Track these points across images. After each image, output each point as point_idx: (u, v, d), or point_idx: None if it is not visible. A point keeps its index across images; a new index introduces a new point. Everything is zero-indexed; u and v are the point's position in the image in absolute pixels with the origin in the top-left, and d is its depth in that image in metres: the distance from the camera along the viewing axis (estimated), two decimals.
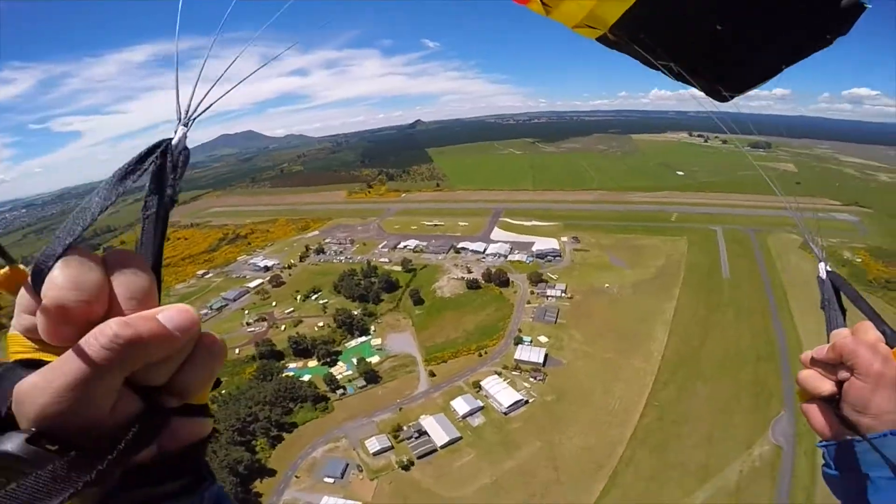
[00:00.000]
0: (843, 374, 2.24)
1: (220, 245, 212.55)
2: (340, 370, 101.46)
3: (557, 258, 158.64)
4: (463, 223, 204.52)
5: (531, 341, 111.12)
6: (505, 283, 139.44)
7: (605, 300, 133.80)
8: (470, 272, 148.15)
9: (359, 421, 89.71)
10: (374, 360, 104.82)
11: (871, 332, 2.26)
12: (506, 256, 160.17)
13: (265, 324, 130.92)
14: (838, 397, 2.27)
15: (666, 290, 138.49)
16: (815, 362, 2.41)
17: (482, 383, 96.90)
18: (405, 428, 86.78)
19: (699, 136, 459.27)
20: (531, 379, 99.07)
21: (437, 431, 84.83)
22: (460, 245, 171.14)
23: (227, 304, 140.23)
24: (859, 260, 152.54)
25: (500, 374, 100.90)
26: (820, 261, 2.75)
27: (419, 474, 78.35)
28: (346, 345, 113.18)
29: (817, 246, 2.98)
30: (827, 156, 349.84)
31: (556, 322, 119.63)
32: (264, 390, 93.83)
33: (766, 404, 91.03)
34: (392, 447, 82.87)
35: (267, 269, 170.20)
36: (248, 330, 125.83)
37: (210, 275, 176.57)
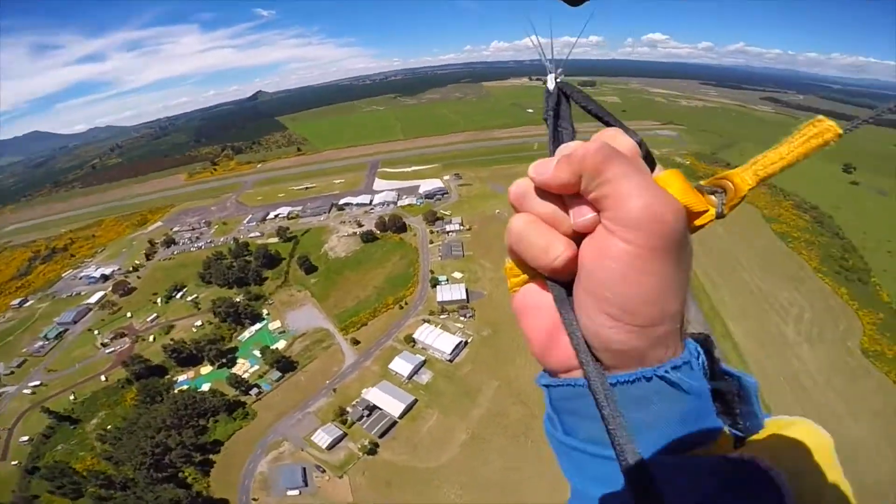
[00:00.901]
0: (584, 218, 1.10)
1: (33, 265, 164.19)
2: (244, 368, 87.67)
3: (446, 195, 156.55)
4: (338, 181, 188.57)
5: (447, 280, 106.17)
6: (402, 228, 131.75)
7: (500, 225, 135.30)
8: (361, 226, 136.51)
9: (292, 417, 77.53)
10: (280, 345, 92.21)
11: (622, 141, 1.23)
12: (395, 203, 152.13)
13: (126, 340, 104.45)
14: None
15: None
16: (538, 194, 1.22)
17: (415, 336, 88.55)
18: (350, 409, 75.28)
19: (538, 79, 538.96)
20: (462, 318, 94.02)
21: (389, 402, 75.40)
22: (342, 202, 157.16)
23: (66, 329, 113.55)
24: (688, 163, 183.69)
25: (428, 321, 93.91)
26: (549, 73, 1.58)
27: (390, 454, 68.87)
28: (239, 338, 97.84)
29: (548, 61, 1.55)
30: (639, 89, 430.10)
31: (463, 255, 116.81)
32: (159, 413, 74.77)
33: None
34: (345, 434, 71.45)
35: (105, 277, 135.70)
36: (108, 351, 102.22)
37: (30, 302, 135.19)
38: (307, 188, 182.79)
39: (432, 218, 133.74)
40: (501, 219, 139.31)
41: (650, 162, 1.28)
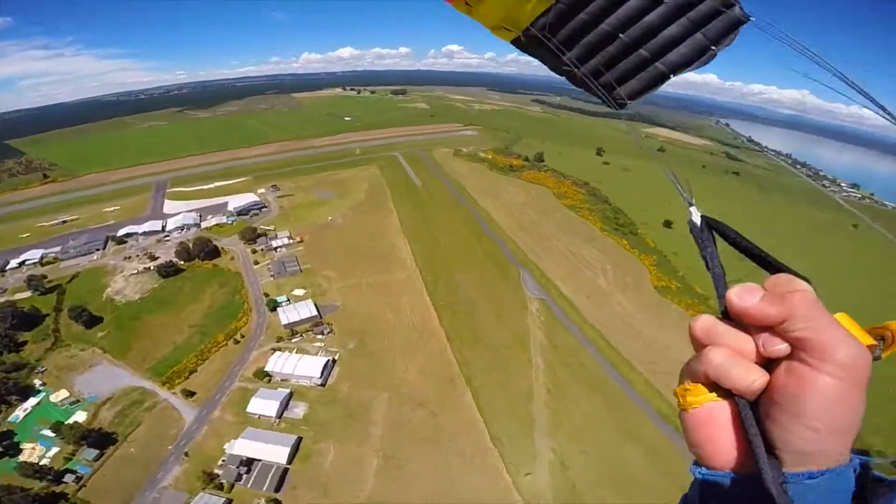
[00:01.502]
0: (777, 348, 1.54)
1: None
2: (36, 453, 66.54)
3: (264, 209, 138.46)
4: (112, 208, 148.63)
5: (288, 300, 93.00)
6: (213, 252, 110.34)
7: (334, 232, 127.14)
8: (154, 258, 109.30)
9: (144, 497, 59.45)
10: (80, 417, 71.36)
11: (800, 284, 1.62)
12: (198, 225, 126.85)
13: None
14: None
15: (382, 207, 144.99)
16: (730, 324, 1.68)
17: (268, 369, 74.80)
18: (219, 470, 59.86)
19: (352, 89, 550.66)
20: (319, 336, 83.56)
21: (267, 449, 61.49)
22: (122, 233, 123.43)
23: None
24: (490, 157, 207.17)
25: (278, 349, 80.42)
26: (690, 205, 2.05)
27: None
28: (11, 420, 73.23)
29: (683, 188, 2.25)
30: (442, 96, 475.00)
31: (300, 270, 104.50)
32: None
33: (506, 271, 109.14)
34: (230, 501, 56.64)
35: None
36: None
37: None
38: (64, 222, 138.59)
39: (252, 235, 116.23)
40: (335, 226, 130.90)
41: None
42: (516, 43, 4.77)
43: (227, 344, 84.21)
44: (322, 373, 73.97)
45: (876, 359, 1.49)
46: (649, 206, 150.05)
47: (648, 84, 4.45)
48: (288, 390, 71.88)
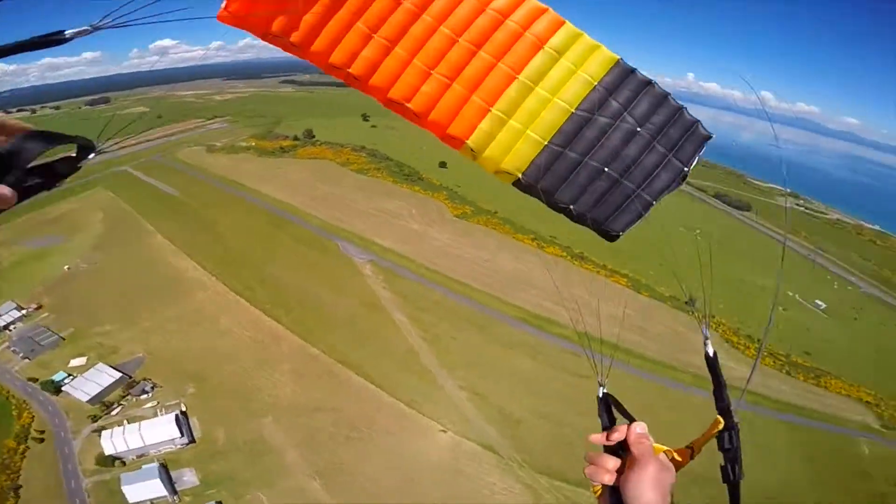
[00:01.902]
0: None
1: None
2: None
3: None
4: None
5: (70, 376, 70.95)
6: None
7: (84, 281, 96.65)
8: None
9: None
10: None
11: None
12: None
13: None
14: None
15: (138, 231, 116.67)
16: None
17: (111, 453, 60.29)
18: None
19: (20, 110, 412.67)
20: (145, 395, 69.09)
21: None
22: None
23: None
24: (253, 144, 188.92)
25: (103, 427, 63.63)
26: (601, 385, 3.94)
27: None
28: None
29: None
30: (165, 95, 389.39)
31: (62, 338, 79.16)
32: None
33: (322, 246, 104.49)
34: None
35: None
36: None
37: None
38: None
39: None
40: (81, 273, 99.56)
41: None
42: (517, 185, 5.31)
43: (28, 448, 61.90)
44: (181, 429, 61.74)
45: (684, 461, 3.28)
46: (423, 155, 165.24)
47: (637, 213, 4.93)
48: (156, 463, 58.45)
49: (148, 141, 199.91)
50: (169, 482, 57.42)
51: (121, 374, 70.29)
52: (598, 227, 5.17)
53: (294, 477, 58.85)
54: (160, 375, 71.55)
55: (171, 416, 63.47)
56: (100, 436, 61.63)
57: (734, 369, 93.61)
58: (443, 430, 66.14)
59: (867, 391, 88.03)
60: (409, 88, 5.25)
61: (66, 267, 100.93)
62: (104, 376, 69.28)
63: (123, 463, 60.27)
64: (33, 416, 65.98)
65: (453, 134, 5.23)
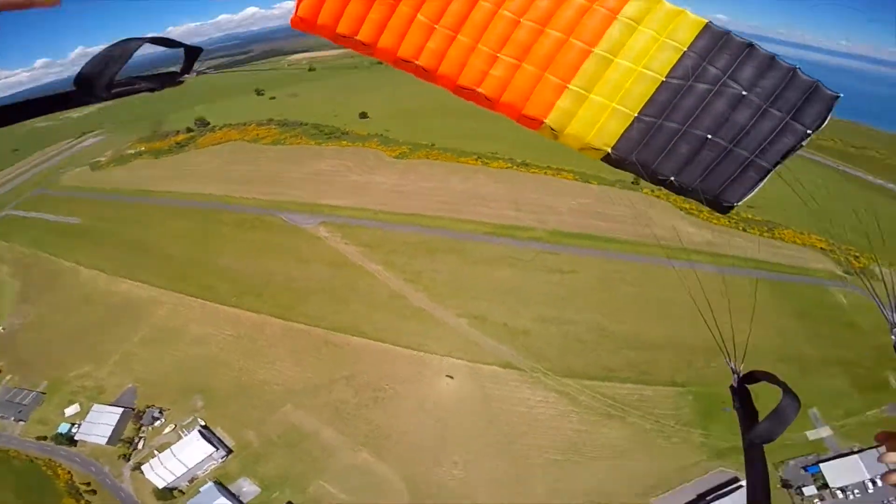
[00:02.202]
0: None
1: None
2: None
3: None
4: None
5: (75, 424, 66.43)
6: None
7: (27, 334, 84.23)
8: None
9: None
10: None
11: None
12: None
13: None
14: None
15: (56, 271, 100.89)
16: None
17: (164, 486, 58.55)
18: None
19: None
20: (157, 423, 66.02)
21: None
22: None
23: None
24: (143, 148, 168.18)
25: (141, 464, 61.36)
26: (735, 372, 3.50)
27: None
28: None
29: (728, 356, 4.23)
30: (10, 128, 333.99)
31: (42, 392, 72.82)
32: None
33: (266, 224, 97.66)
34: None
35: None
36: None
37: None
38: None
39: None
40: (17, 329, 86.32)
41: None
42: (607, 160, 5.23)
43: (89, 502, 59.56)
44: (212, 443, 60.52)
45: None
46: (339, 111, 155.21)
47: (754, 182, 4.57)
48: (211, 483, 57.58)
49: (17, 177, 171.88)
50: (233, 497, 56.75)
51: (122, 409, 66.80)
52: (710, 199, 4.88)
53: (341, 455, 58.85)
54: (162, 399, 66.81)
55: (195, 433, 61.27)
56: (142, 472, 59.92)
57: (694, 234, 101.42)
58: (447, 355, 66.54)
59: (818, 238, 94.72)
60: (478, 73, 5.21)
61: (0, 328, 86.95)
62: (108, 415, 65.79)
63: (182, 492, 59.02)
64: (69, 472, 62.03)
65: (530, 115, 5.14)
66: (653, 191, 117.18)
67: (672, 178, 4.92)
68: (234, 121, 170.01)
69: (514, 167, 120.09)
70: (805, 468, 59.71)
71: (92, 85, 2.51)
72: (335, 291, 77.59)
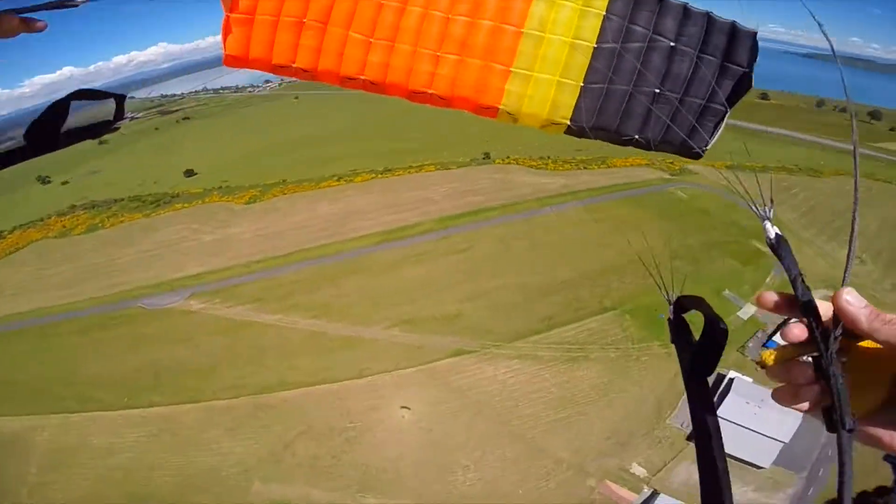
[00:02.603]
0: None
1: None
2: None
3: None
4: None
5: None
6: None
7: None
8: None
9: None
10: None
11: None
12: None
13: None
14: None
15: None
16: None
17: None
18: None
19: None
20: None
21: None
22: None
23: None
24: None
25: None
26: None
27: None
28: None
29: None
30: None
31: None
32: None
33: (117, 322, 76.81)
34: None
35: None
36: None
37: None
38: None
39: None
40: None
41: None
42: (570, 132, 5.18)
43: None
44: None
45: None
46: (157, 176, 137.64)
47: (713, 125, 4.57)
48: None
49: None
50: None
51: None
52: (679, 150, 4.97)
53: None
54: None
55: None
56: None
57: (550, 183, 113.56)
58: (396, 368, 63.23)
59: (639, 158, 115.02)
60: (426, 76, 5.21)
61: None
62: None
63: None
64: None
65: (485, 104, 5.23)
66: (504, 160, 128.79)
67: (636, 137, 4.99)
68: (25, 220, 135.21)
69: (379, 175, 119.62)
70: (765, 345, 67.22)
71: (43, 137, 2.75)
72: (240, 357, 66.73)
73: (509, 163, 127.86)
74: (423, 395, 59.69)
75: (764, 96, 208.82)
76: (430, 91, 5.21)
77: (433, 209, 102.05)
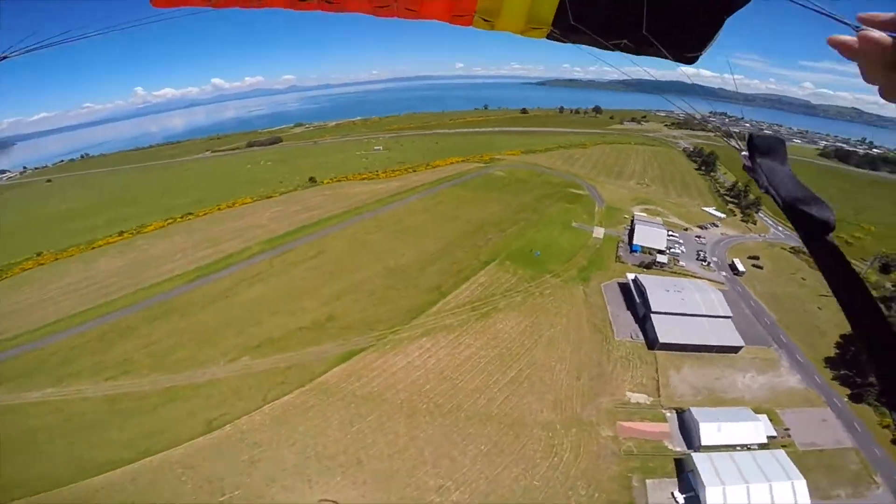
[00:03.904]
0: None
1: None
2: None
3: None
4: None
5: None
6: None
7: None
8: None
9: None
10: None
11: None
12: None
13: None
14: None
15: None
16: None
17: None
18: None
19: None
20: None
21: None
22: None
23: None
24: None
25: None
26: (741, 151, 2.60)
27: None
28: None
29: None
30: None
31: None
32: None
33: None
34: None
35: None
36: None
37: None
38: None
39: None
40: None
41: None
42: (552, 37, 4.77)
43: None
44: None
45: None
46: None
47: (711, 29, 4.11)
48: None
49: None
50: None
51: None
52: (671, 53, 4.28)
53: None
54: None
55: None
56: None
57: (383, 189, 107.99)
58: (265, 401, 44.65)
59: (455, 158, 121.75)
60: None
61: None
62: None
63: None
64: None
65: (458, 11, 4.76)
66: (331, 180, 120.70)
67: (624, 41, 4.35)
68: None
69: (178, 221, 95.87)
70: (632, 250, 76.27)
71: None
72: (35, 455, 38.08)
73: (338, 181, 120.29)
74: (323, 421, 42.84)
75: (524, 111, 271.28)
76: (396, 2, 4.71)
77: (261, 232, 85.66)
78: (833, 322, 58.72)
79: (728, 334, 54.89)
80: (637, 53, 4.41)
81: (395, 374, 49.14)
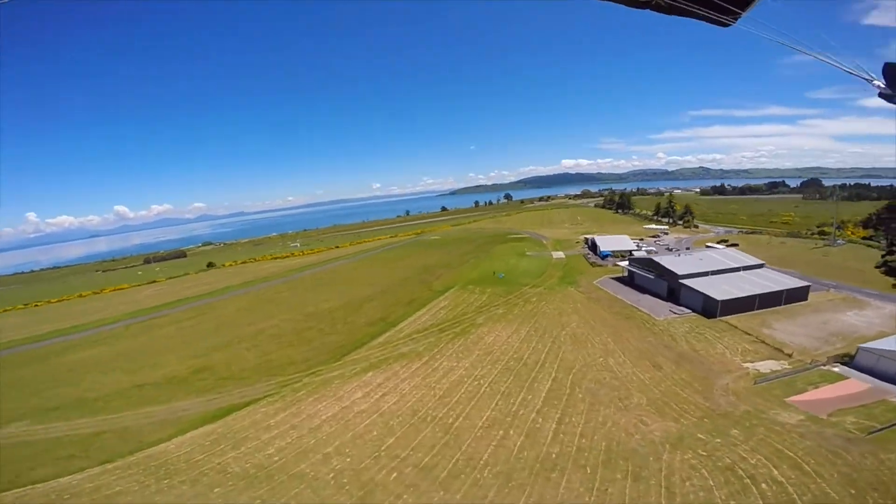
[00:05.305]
0: None
1: None
2: None
3: None
4: None
5: None
6: None
7: None
8: None
9: None
10: None
11: None
12: None
13: None
14: None
15: None
16: None
17: None
18: None
19: None
20: None
21: None
22: None
23: None
24: None
25: None
26: (869, 80, 3.34)
27: None
28: None
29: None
30: None
31: None
32: None
33: None
34: None
35: None
36: None
37: None
38: None
39: None
40: None
41: None
42: None
43: None
44: None
45: None
46: None
47: None
48: None
49: None
50: None
51: None
52: (709, 15, 4.16)
53: None
54: None
55: None
56: None
57: (295, 264, 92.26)
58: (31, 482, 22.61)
59: (384, 236, 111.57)
60: None
61: None
62: None
63: None
64: None
65: None
66: (234, 263, 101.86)
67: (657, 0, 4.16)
68: None
69: (29, 306, 69.70)
70: (603, 257, 69.64)
71: None
72: None
73: (243, 262, 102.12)
74: (279, 463, 21.98)
75: (444, 209, 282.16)
76: None
77: (126, 307, 64.38)
78: (855, 259, 55.58)
79: (781, 279, 44.59)
80: (669, 13, 4.06)
81: (319, 429, 28.87)
